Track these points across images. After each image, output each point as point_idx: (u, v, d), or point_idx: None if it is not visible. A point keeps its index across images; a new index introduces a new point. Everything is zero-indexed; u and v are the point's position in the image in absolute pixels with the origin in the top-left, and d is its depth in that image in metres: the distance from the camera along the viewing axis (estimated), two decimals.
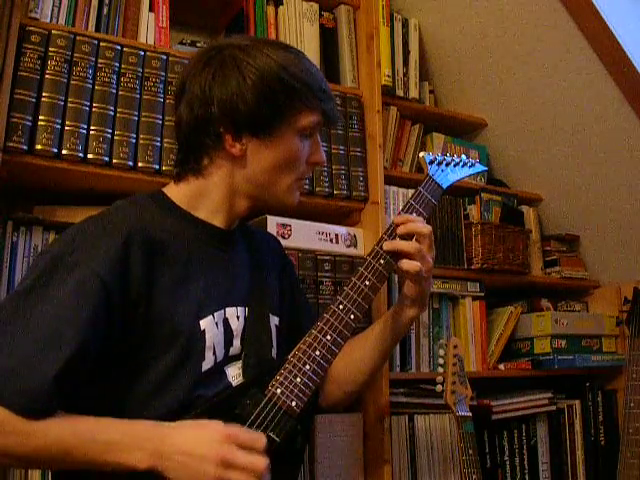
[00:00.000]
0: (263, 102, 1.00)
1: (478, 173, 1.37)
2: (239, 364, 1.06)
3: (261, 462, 0.87)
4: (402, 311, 1.21)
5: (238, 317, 1.08)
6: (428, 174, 1.22)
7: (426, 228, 1.14)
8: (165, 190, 1.10)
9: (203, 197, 1.07)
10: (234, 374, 1.04)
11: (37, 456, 0.86)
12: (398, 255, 1.12)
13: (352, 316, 1.07)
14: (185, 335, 0.98)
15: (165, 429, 0.89)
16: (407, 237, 1.14)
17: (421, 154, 1.27)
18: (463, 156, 1.32)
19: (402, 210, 1.18)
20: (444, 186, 1.23)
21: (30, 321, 0.88)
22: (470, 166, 1.32)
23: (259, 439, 0.90)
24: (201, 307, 1.02)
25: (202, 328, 1.01)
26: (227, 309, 1.06)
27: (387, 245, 1.12)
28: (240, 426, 0.92)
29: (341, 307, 1.07)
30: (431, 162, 1.25)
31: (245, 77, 1.00)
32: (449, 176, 1.26)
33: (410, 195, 1.21)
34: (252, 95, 1.00)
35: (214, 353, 1.02)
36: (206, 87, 1.02)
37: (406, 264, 1.11)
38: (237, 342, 1.07)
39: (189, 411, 0.95)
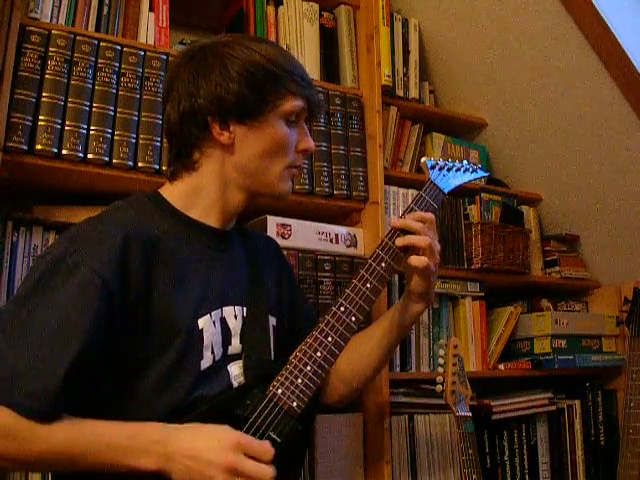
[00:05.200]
0: (246, 89, 1.02)
1: (479, 178, 1.39)
2: (240, 363, 1.06)
3: (268, 472, 0.88)
4: (409, 306, 1.21)
5: (236, 316, 1.08)
6: (429, 178, 1.24)
7: (427, 216, 1.16)
8: (161, 191, 1.10)
9: (197, 194, 1.08)
10: (236, 373, 1.05)
11: (44, 460, 0.86)
12: (407, 251, 1.13)
13: (353, 318, 1.07)
14: (183, 334, 0.99)
15: (174, 432, 0.89)
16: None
17: (422, 159, 1.28)
18: (465, 161, 1.33)
19: (403, 213, 1.18)
20: (445, 191, 1.25)
21: (34, 323, 0.88)
22: (472, 171, 1.33)
23: (267, 449, 0.90)
24: (199, 306, 1.02)
25: (200, 327, 1.01)
26: (224, 308, 1.06)
27: (399, 241, 1.12)
28: (245, 434, 0.92)
29: (342, 309, 1.07)
30: (432, 167, 1.26)
31: (228, 68, 1.02)
32: (450, 181, 1.27)
33: (411, 197, 1.21)
34: (236, 83, 1.02)
35: (212, 352, 1.02)
36: (190, 82, 1.04)
37: (415, 260, 1.12)
38: (236, 341, 1.07)
39: (190, 410, 0.95)
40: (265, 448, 0.90)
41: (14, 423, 0.83)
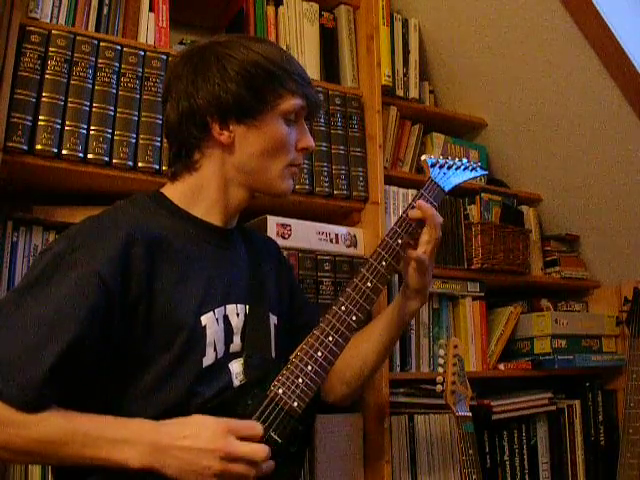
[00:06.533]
0: (245, 89, 1.03)
1: (479, 177, 1.39)
2: (240, 361, 1.06)
3: (262, 450, 0.89)
4: (405, 304, 1.22)
5: (238, 314, 1.08)
6: (430, 177, 1.24)
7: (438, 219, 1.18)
8: (163, 190, 1.11)
9: (199, 193, 1.08)
10: (237, 371, 1.05)
11: (29, 449, 0.86)
12: (405, 247, 1.16)
13: (354, 317, 1.07)
14: (187, 331, 0.99)
15: (162, 426, 0.90)
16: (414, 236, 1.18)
17: (423, 157, 1.28)
18: (464, 159, 1.33)
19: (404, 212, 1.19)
20: (446, 189, 1.25)
21: (28, 316, 0.88)
22: (471, 169, 1.34)
23: (257, 428, 0.92)
24: (202, 303, 1.02)
25: (203, 324, 1.01)
26: (227, 306, 1.07)
27: (413, 213, 1.16)
28: (230, 419, 0.92)
29: (343, 308, 1.07)
30: (433, 165, 1.26)
31: (226, 68, 1.03)
32: (451, 179, 1.27)
33: (411, 197, 1.21)
34: (234, 83, 1.02)
35: (215, 349, 1.02)
36: (189, 82, 1.04)
37: (414, 252, 1.15)
38: (237, 339, 1.07)
39: (190, 408, 0.95)
40: (254, 427, 0.92)
41: (1, 412, 0.83)
